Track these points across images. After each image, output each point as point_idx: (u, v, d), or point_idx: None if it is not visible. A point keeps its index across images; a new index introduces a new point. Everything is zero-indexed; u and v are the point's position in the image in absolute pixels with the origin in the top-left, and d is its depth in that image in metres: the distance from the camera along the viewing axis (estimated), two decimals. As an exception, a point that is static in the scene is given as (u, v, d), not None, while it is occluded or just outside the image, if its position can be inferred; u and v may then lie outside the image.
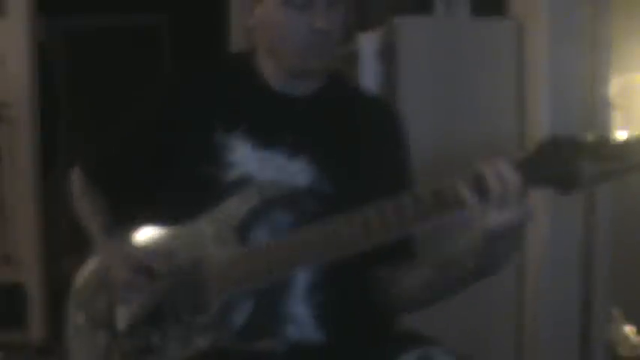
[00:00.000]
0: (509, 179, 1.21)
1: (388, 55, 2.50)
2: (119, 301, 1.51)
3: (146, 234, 1.55)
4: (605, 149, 1.18)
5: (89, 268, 1.62)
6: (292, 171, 1.47)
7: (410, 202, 1.27)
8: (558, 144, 1.21)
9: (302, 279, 1.45)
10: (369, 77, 2.56)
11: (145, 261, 1.46)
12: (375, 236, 1.29)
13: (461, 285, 1.39)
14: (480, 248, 1.27)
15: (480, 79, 2.50)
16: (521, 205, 1.22)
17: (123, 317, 1.50)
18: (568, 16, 2.41)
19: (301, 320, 1.46)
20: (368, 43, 2.58)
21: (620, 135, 1.18)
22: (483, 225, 1.23)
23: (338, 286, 1.46)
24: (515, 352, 2.57)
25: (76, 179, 1.68)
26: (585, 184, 1.19)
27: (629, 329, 2.70)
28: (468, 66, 2.49)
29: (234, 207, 1.43)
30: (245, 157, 1.48)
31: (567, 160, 1.20)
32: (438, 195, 1.25)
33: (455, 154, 2.38)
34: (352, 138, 1.52)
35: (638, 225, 2.89)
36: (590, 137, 1.20)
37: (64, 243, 4.68)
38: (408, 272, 1.46)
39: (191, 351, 1.42)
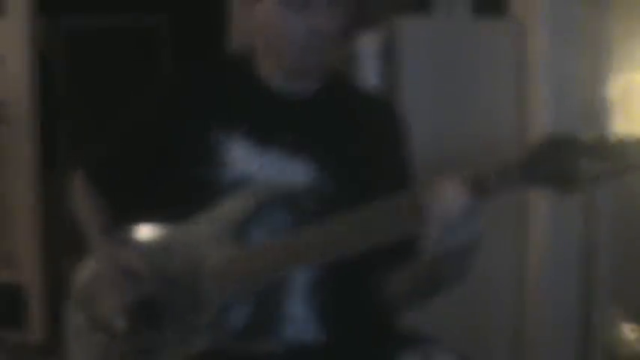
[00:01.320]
0: (456, 203, 1.21)
1: (388, 55, 2.50)
2: (104, 301, 1.51)
3: (145, 234, 1.55)
4: (605, 149, 1.18)
5: (87, 267, 1.62)
6: (291, 171, 1.47)
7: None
8: (557, 144, 1.21)
9: (301, 279, 1.45)
10: (369, 77, 2.56)
11: (130, 262, 1.46)
12: (374, 238, 1.30)
13: (424, 295, 1.43)
14: (427, 268, 1.32)
15: (479, 79, 2.51)
16: (470, 225, 1.23)
17: (112, 316, 1.50)
18: (568, 16, 2.41)
19: (301, 320, 1.45)
20: (368, 43, 2.58)
21: (620, 135, 1.18)
22: (432, 246, 1.25)
23: (337, 286, 1.46)
24: (515, 352, 2.57)
25: (76, 179, 1.67)
26: (584, 184, 1.19)
27: (629, 329, 2.70)
28: (467, 66, 2.50)
29: (233, 207, 1.43)
30: (244, 157, 1.48)
31: (566, 160, 1.20)
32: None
33: (455, 154, 2.38)
34: (352, 137, 1.52)
35: (638, 225, 2.89)
36: (589, 137, 1.20)
37: (64, 243, 4.68)
38: (406, 271, 1.47)
39: (190, 351, 1.42)
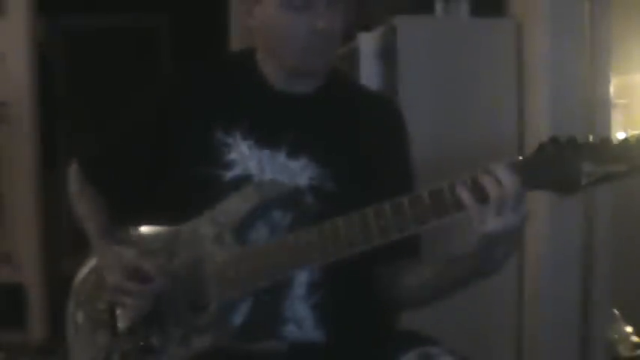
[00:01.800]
0: (507, 184, 1.21)
1: (388, 55, 2.50)
2: (111, 304, 1.51)
3: (145, 233, 1.55)
4: (606, 151, 1.18)
5: (88, 267, 1.62)
6: (293, 170, 1.47)
7: (408, 204, 1.27)
8: (559, 146, 1.21)
9: (301, 278, 1.45)
10: (368, 77, 2.56)
11: (136, 265, 1.46)
12: (375, 238, 1.30)
13: (460, 285, 1.41)
14: (478, 251, 1.28)
15: (479, 79, 2.50)
16: (519, 209, 1.23)
17: (121, 318, 1.50)
18: (568, 16, 2.41)
19: (301, 320, 1.46)
20: (368, 43, 2.58)
21: (621, 136, 1.18)
22: (481, 229, 1.24)
23: (337, 286, 1.46)
24: (515, 352, 2.57)
25: (74, 178, 1.67)
26: (585, 186, 1.19)
27: (628, 329, 2.70)
28: (467, 66, 2.49)
29: (234, 206, 1.43)
30: (245, 156, 1.48)
31: (568, 162, 1.20)
32: (437, 197, 1.26)
33: (455, 154, 2.38)
34: (353, 136, 1.52)
35: (638, 225, 2.89)
36: (590, 139, 1.20)
37: (64, 243, 4.69)
38: (409, 271, 1.47)
39: (191, 351, 1.42)
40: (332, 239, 1.32)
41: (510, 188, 1.21)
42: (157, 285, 1.44)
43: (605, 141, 1.19)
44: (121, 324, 1.50)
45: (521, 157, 1.23)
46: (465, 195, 1.23)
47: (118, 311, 1.51)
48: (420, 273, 1.45)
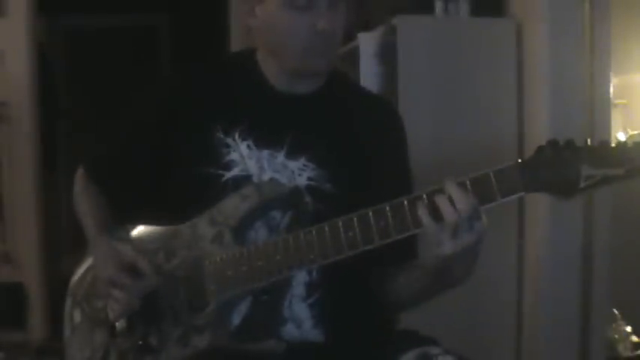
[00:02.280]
0: (461, 206, 1.23)
1: (388, 55, 2.50)
2: (103, 298, 1.51)
3: (144, 233, 1.55)
4: (604, 154, 1.18)
5: (85, 266, 1.62)
6: (292, 170, 1.47)
7: (408, 205, 1.27)
8: (557, 149, 1.21)
9: (300, 278, 1.45)
10: (369, 77, 2.56)
11: (131, 260, 1.46)
12: (374, 239, 1.30)
13: (428, 293, 1.45)
14: (434, 269, 1.33)
15: (479, 79, 2.51)
16: (474, 228, 1.25)
17: (114, 314, 1.50)
18: (567, 15, 2.41)
19: (299, 320, 1.45)
20: (368, 43, 2.58)
21: (620, 139, 1.18)
22: (437, 251, 1.26)
23: (336, 286, 1.46)
24: (515, 352, 2.57)
25: (78, 179, 1.68)
26: (584, 189, 1.20)
27: (628, 329, 2.70)
28: (467, 66, 2.50)
29: (234, 206, 1.43)
30: (245, 156, 1.48)
31: (566, 165, 1.20)
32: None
33: (455, 154, 2.38)
34: (352, 137, 1.52)
35: (638, 225, 2.90)
36: (589, 142, 1.20)
37: (63, 243, 4.69)
38: (405, 273, 1.48)
39: (189, 350, 1.42)
40: (331, 239, 1.32)
41: (464, 210, 1.23)
42: (149, 283, 1.44)
43: (604, 144, 1.19)
44: (120, 320, 1.50)
45: (519, 160, 1.24)
46: (424, 214, 1.25)
47: (109, 307, 1.51)
48: (410, 275, 1.46)
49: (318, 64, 1.47)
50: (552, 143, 1.22)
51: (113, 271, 1.46)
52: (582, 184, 1.20)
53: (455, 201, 1.23)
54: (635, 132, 2.77)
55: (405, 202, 1.28)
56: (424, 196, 1.27)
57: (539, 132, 2.39)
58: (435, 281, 1.38)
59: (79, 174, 1.68)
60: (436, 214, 1.25)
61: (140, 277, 1.44)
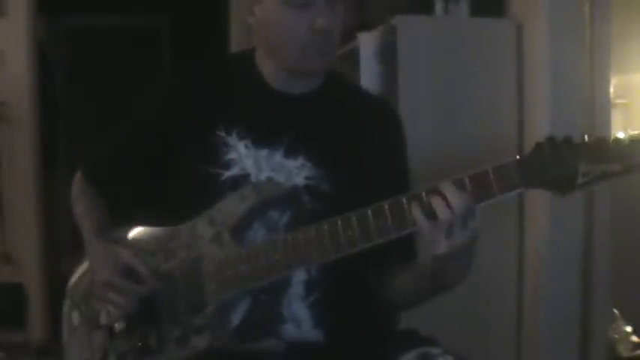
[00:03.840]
0: (455, 205, 1.23)
1: (388, 55, 2.50)
2: (100, 301, 1.51)
3: (142, 233, 1.55)
4: (602, 151, 1.19)
5: (83, 268, 1.62)
6: (290, 169, 1.47)
7: (407, 203, 1.28)
8: (555, 145, 1.22)
9: (299, 278, 1.45)
10: (368, 77, 2.56)
11: (129, 263, 1.46)
12: (373, 237, 1.30)
13: (424, 294, 1.45)
14: (430, 269, 1.32)
15: (479, 79, 2.50)
16: (469, 227, 1.25)
17: (109, 317, 1.50)
18: (567, 15, 2.41)
19: (299, 319, 1.45)
20: (368, 43, 2.58)
21: (618, 136, 1.18)
22: (433, 249, 1.27)
23: (335, 285, 1.46)
24: (515, 352, 2.57)
25: (75, 182, 1.68)
26: (582, 185, 1.20)
27: (628, 329, 2.70)
28: (467, 66, 2.49)
29: (232, 206, 1.43)
30: (243, 156, 1.48)
31: (564, 162, 1.20)
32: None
33: (455, 154, 2.38)
34: (350, 137, 1.52)
35: (638, 225, 2.89)
36: (587, 138, 1.20)
37: (64, 243, 4.69)
38: (404, 272, 1.47)
39: (189, 351, 1.42)
40: (330, 238, 1.32)
41: (459, 209, 1.23)
42: (147, 289, 1.44)
43: (601, 141, 1.20)
44: (119, 322, 1.50)
45: (518, 157, 1.24)
46: (418, 213, 1.25)
47: (105, 310, 1.51)
48: (399, 277, 1.47)
49: (316, 63, 1.48)
50: (550, 140, 1.22)
51: (111, 274, 1.46)
52: (580, 180, 1.20)
53: (449, 200, 1.23)
54: (635, 132, 2.77)
55: (404, 201, 1.28)
56: (423, 194, 1.27)
57: (539, 132, 2.39)
58: (431, 281, 1.38)
59: (77, 177, 1.68)
60: (431, 212, 1.25)
61: (138, 280, 1.44)
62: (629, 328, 2.70)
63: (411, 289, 1.46)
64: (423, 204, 1.26)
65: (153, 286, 1.44)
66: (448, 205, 1.23)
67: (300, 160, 1.47)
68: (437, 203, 1.24)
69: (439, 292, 1.42)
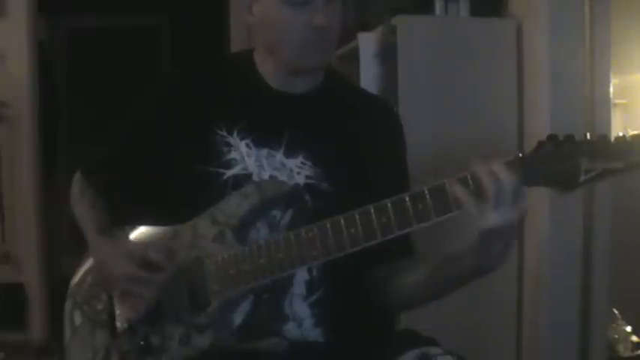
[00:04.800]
0: (503, 179, 1.22)
1: (388, 54, 2.50)
2: (121, 297, 1.50)
3: (145, 233, 1.55)
4: (603, 148, 1.19)
5: (84, 268, 1.62)
6: (290, 168, 1.47)
7: (410, 202, 1.27)
8: (557, 143, 1.22)
9: (301, 277, 1.45)
10: (368, 77, 2.56)
11: (144, 254, 1.45)
12: (376, 235, 1.30)
13: (458, 283, 1.41)
14: (478, 247, 1.29)
15: (479, 79, 2.50)
16: (517, 203, 1.23)
17: (122, 314, 1.50)
18: (567, 15, 2.41)
19: (300, 318, 1.46)
20: (368, 42, 2.58)
21: (619, 134, 1.19)
22: (480, 224, 1.24)
23: (337, 284, 1.46)
24: (515, 352, 2.57)
25: (75, 182, 1.68)
26: (583, 182, 1.20)
27: (628, 329, 2.70)
28: (467, 66, 2.49)
29: (235, 205, 1.43)
30: (244, 155, 1.48)
31: (566, 159, 1.21)
32: (436, 195, 1.26)
33: (454, 154, 2.38)
34: (349, 136, 1.52)
35: (638, 225, 2.90)
36: (588, 136, 1.21)
37: (64, 243, 4.69)
38: (407, 271, 1.47)
39: (191, 350, 1.42)
40: (333, 236, 1.33)
41: (508, 184, 1.22)
42: (166, 274, 1.43)
43: (603, 138, 1.20)
44: (121, 321, 1.50)
45: (520, 154, 1.24)
46: (462, 193, 1.24)
47: (118, 309, 1.50)
48: (419, 272, 1.45)
49: (314, 60, 1.48)
50: (552, 138, 1.23)
51: (132, 267, 1.45)
52: (582, 178, 1.20)
53: (498, 175, 1.22)
54: (636, 132, 2.77)
55: (407, 198, 1.28)
56: (425, 190, 1.26)
57: (539, 132, 2.39)
58: (470, 267, 1.33)
59: (77, 177, 1.68)
60: (478, 190, 1.23)
61: (156, 269, 1.44)
62: (628, 328, 2.71)
63: (432, 283, 1.43)
64: (467, 183, 1.24)
65: (172, 273, 1.43)
66: (497, 179, 1.22)
67: (300, 159, 1.48)
68: (485, 178, 1.22)
69: (470, 281, 1.38)
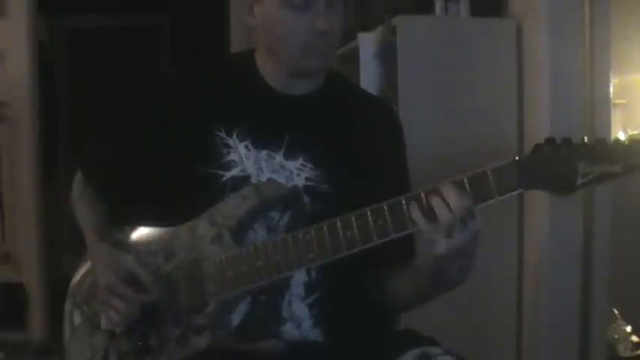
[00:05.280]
0: (455, 206, 1.23)
1: (388, 55, 2.50)
2: (102, 305, 1.50)
3: (143, 234, 1.55)
4: (601, 152, 1.19)
5: (85, 268, 1.62)
6: (290, 170, 1.47)
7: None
8: (555, 146, 1.22)
9: (299, 278, 1.45)
10: (368, 77, 2.56)
11: (133, 271, 1.45)
12: (372, 238, 1.30)
13: (425, 296, 1.45)
14: (431, 270, 1.33)
15: (479, 79, 2.50)
16: (469, 227, 1.25)
17: (110, 322, 1.49)
18: (567, 16, 2.41)
19: (299, 319, 1.46)
20: (368, 43, 2.58)
21: (617, 137, 1.19)
22: (433, 250, 1.27)
23: (335, 285, 1.46)
24: (515, 352, 2.57)
25: (75, 184, 1.68)
26: (581, 186, 1.20)
27: (628, 329, 2.71)
28: (467, 66, 2.49)
29: (233, 207, 1.43)
30: (244, 157, 1.48)
31: (564, 162, 1.21)
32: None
33: (455, 154, 2.38)
34: (350, 138, 1.52)
35: (638, 225, 2.90)
36: (587, 139, 1.21)
37: (64, 243, 4.69)
38: (396, 274, 1.48)
39: (189, 351, 1.42)
40: (330, 239, 1.33)
41: (458, 209, 1.23)
42: (149, 297, 1.44)
43: (601, 142, 1.20)
44: (104, 326, 1.49)
45: (517, 157, 1.24)
46: (419, 215, 1.26)
47: (102, 313, 1.50)
48: (399, 278, 1.47)
49: (316, 64, 1.47)
50: (550, 141, 1.23)
51: (114, 280, 1.45)
52: (580, 181, 1.21)
53: (449, 201, 1.23)
54: (635, 132, 2.77)
55: (403, 201, 1.28)
56: (422, 194, 1.27)
57: (539, 132, 2.39)
58: (431, 282, 1.38)
59: (77, 178, 1.68)
60: (430, 213, 1.25)
61: (141, 289, 1.44)
62: (628, 328, 2.71)
63: (411, 290, 1.47)
64: (423, 205, 1.26)
65: (155, 296, 1.44)
66: (447, 206, 1.23)
67: (300, 161, 1.48)
68: (436, 204, 1.24)
69: (440, 293, 1.42)
